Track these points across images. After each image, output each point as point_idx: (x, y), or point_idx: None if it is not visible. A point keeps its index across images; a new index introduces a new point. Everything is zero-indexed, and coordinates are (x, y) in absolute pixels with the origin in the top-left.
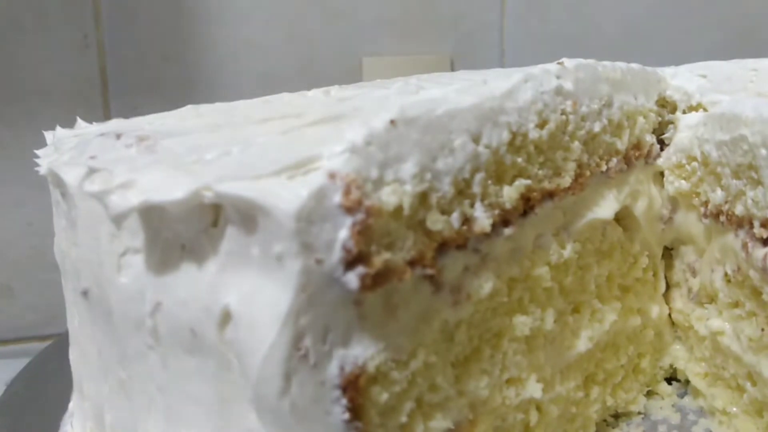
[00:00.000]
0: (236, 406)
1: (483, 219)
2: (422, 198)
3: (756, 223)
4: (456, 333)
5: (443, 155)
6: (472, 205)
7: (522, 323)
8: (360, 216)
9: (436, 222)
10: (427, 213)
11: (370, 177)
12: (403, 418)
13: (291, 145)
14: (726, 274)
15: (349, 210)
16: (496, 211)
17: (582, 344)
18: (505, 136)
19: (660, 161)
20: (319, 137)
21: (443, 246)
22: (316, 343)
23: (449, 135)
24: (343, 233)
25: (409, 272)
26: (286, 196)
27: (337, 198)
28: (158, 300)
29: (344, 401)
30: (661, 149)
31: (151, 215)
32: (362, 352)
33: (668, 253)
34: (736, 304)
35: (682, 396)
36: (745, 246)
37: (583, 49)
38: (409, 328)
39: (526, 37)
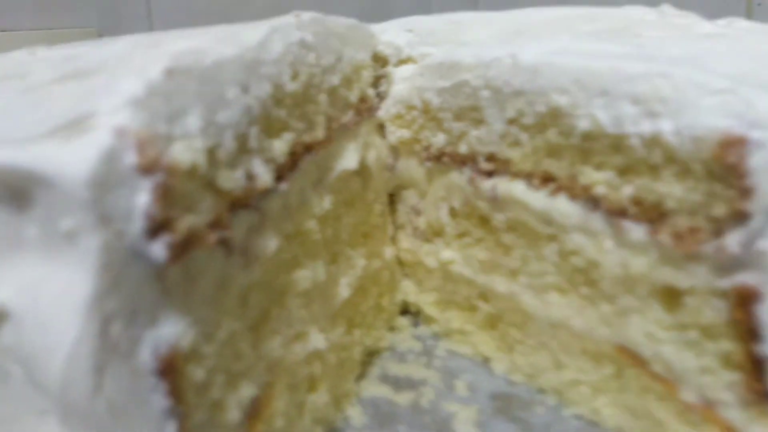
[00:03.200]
0: (17, 427)
1: (264, 174)
2: (211, 154)
3: (481, 159)
4: (249, 297)
5: (222, 107)
6: (251, 161)
7: (303, 277)
8: (160, 176)
9: (227, 179)
10: (217, 170)
11: (159, 133)
12: (217, 394)
13: (46, 103)
14: (452, 209)
15: (147, 170)
16: (272, 166)
17: (343, 291)
18: (268, 88)
19: (380, 113)
20: (79, 93)
21: (233, 206)
22: (126, 328)
23: (222, 86)
24: (143, 198)
25: (212, 236)
26: (71, 160)
27: (130, 158)
28: None
29: (163, 386)
30: (379, 103)
31: None
32: (172, 330)
33: (391, 199)
34: (463, 234)
35: (416, 326)
36: (472, 180)
37: (233, 17)
38: (211, 297)
39: (174, 5)
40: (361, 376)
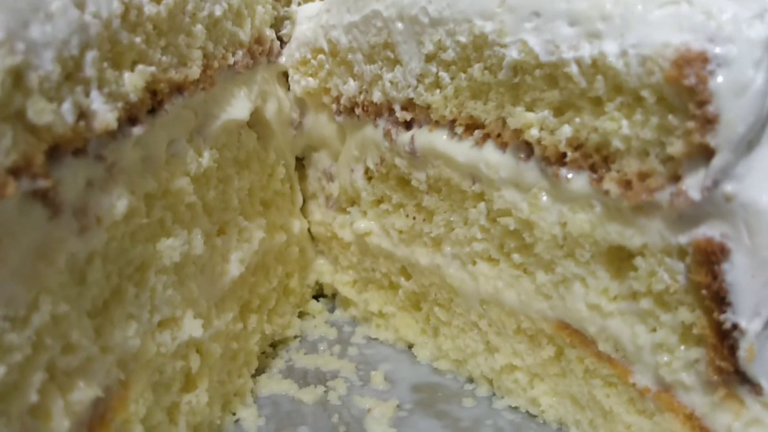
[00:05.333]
0: None
1: (105, 112)
2: (17, 77)
3: (397, 107)
4: (89, 271)
5: (38, 20)
6: (87, 94)
7: (170, 248)
8: None
9: (41, 112)
10: (27, 99)
11: None
12: (33, 397)
13: None
14: (368, 171)
15: None
16: (120, 104)
17: (234, 268)
18: (117, 6)
19: (282, 60)
20: None
21: (56, 150)
22: None
23: None
24: None
25: (12, 185)
26: None
27: None
28: None
29: None
30: (281, 47)
31: None
32: None
33: (300, 164)
34: (381, 200)
35: (332, 311)
36: (388, 134)
37: None
38: (23, 269)
39: None
40: (260, 370)
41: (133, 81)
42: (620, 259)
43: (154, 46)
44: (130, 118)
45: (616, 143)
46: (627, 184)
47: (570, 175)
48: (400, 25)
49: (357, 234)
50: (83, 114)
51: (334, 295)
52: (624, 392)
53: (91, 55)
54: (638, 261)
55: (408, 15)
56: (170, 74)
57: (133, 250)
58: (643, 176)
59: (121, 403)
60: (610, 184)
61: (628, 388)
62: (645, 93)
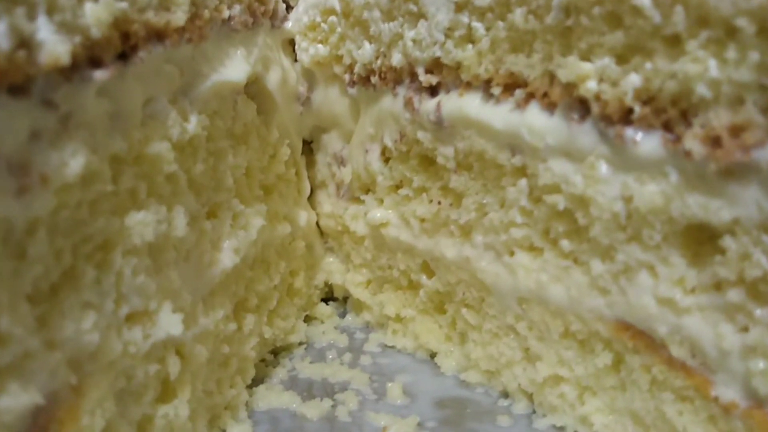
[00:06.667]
0: None
1: (55, 44)
2: None
3: (420, 70)
4: (30, 243)
5: None
6: (32, 18)
7: (141, 223)
8: None
9: None
10: None
11: None
12: None
13: None
14: (385, 150)
15: None
16: (77, 38)
17: (227, 258)
18: None
19: (288, 25)
20: None
21: None
22: None
23: None
24: None
25: None
26: None
27: None
28: None
29: None
30: (288, 12)
31: None
32: None
33: (307, 149)
34: (400, 185)
35: (342, 315)
36: (409, 103)
37: None
38: None
39: None
40: (257, 380)
41: (96, 13)
42: (701, 241)
43: None
44: (92, 60)
45: (701, 90)
46: (715, 142)
47: (638, 137)
48: None
49: (372, 225)
50: (25, 42)
51: (346, 298)
52: (702, 408)
53: None
54: (726, 241)
55: None
56: (147, 15)
57: (94, 222)
58: (737, 130)
59: (71, 414)
60: (692, 143)
61: (708, 404)
62: (741, 22)
